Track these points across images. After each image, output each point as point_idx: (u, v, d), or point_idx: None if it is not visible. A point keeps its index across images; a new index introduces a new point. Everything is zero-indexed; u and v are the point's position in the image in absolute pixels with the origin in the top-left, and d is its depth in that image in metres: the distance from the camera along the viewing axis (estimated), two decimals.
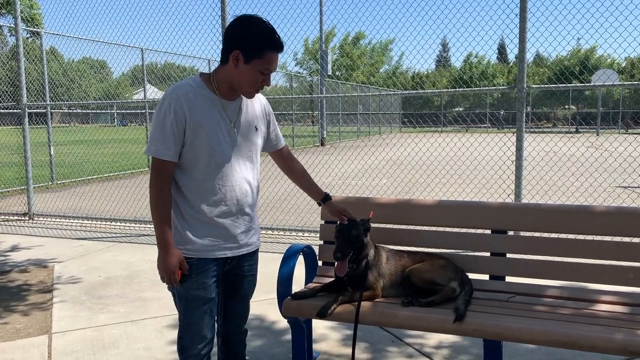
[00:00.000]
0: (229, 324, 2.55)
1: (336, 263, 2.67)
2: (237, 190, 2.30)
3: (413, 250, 3.05)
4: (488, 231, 3.06)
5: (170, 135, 2.17)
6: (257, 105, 2.42)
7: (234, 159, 2.29)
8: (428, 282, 2.79)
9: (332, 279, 2.93)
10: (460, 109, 47.19)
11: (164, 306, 4.17)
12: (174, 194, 2.26)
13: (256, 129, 2.38)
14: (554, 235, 3.12)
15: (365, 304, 2.72)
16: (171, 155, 2.19)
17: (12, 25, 8.31)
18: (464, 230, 3.14)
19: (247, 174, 2.34)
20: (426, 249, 3.11)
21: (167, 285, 2.31)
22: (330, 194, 2.83)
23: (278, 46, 2.19)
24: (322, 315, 2.66)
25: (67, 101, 15.02)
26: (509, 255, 3.01)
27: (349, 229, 2.72)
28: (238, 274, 2.46)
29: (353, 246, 2.69)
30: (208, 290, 2.31)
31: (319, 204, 2.81)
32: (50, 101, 11.69)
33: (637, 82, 5.75)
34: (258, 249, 2.52)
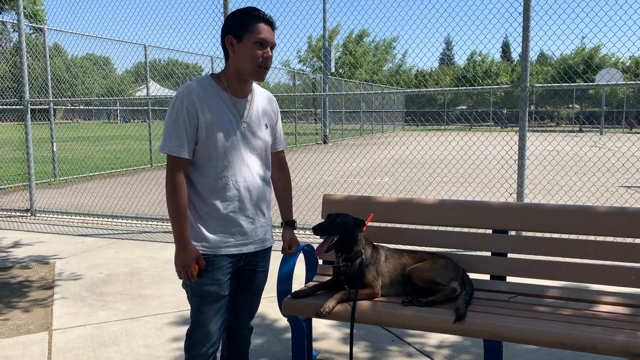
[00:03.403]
0: (236, 319, 2.57)
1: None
2: (250, 186, 2.33)
3: (414, 250, 3.04)
4: (489, 231, 3.05)
5: (183, 133, 2.20)
6: (266, 102, 2.46)
7: (246, 156, 2.32)
8: (428, 281, 2.79)
9: (331, 277, 2.94)
10: (464, 108, 47.10)
11: (164, 303, 4.17)
12: (188, 191, 2.29)
13: (266, 126, 2.41)
14: (555, 235, 3.10)
15: (365, 303, 2.71)
16: (185, 152, 2.22)
17: (15, 22, 8.30)
18: (465, 229, 3.13)
19: (259, 170, 2.38)
20: (427, 248, 3.10)
21: (181, 282, 2.33)
22: (296, 222, 2.75)
23: (262, 16, 2.24)
24: (320, 314, 2.66)
25: (70, 97, 15.06)
26: (510, 255, 3.00)
27: (337, 215, 2.78)
28: (251, 270, 2.49)
29: (336, 230, 2.72)
30: (222, 287, 2.33)
31: (281, 224, 2.70)
32: (53, 97, 11.70)
33: None
34: (272, 246, 2.54)
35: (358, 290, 2.71)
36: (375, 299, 2.79)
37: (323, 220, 2.87)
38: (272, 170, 2.59)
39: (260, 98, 2.43)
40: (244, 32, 2.21)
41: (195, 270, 2.25)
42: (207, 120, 2.22)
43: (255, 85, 2.44)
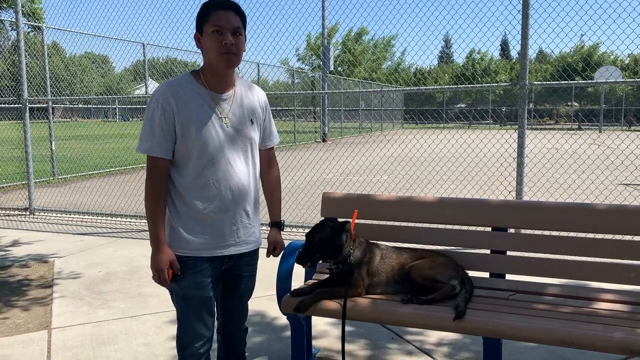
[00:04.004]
0: (229, 323, 2.53)
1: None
2: (232, 185, 2.24)
3: (413, 248, 3.04)
4: (488, 229, 3.05)
5: (159, 132, 2.14)
6: (253, 98, 2.36)
7: (229, 153, 2.23)
8: (428, 279, 2.77)
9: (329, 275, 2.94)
10: (463, 106, 47.11)
11: (163, 302, 4.17)
12: (169, 191, 2.23)
13: (252, 122, 2.32)
14: (554, 233, 3.10)
15: (364, 301, 2.71)
16: (162, 152, 2.16)
17: (13, 20, 8.29)
18: (464, 227, 3.13)
19: (243, 168, 2.28)
20: (426, 246, 3.10)
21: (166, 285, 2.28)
22: (284, 223, 2.68)
23: (217, 3, 2.16)
24: (299, 309, 2.67)
25: (68, 96, 15.03)
26: (509, 253, 2.99)
27: (313, 233, 2.72)
28: (236, 274, 2.42)
29: (317, 251, 2.69)
30: (205, 290, 2.28)
31: (269, 225, 2.62)
32: (51, 96, 11.68)
33: None
34: (258, 248, 2.46)
35: (348, 290, 2.70)
36: (375, 297, 2.78)
37: (304, 245, 2.80)
38: (261, 168, 2.49)
39: (246, 93, 2.34)
40: (202, 23, 2.17)
41: (169, 275, 2.18)
42: (184, 117, 2.14)
43: (240, 80, 2.35)
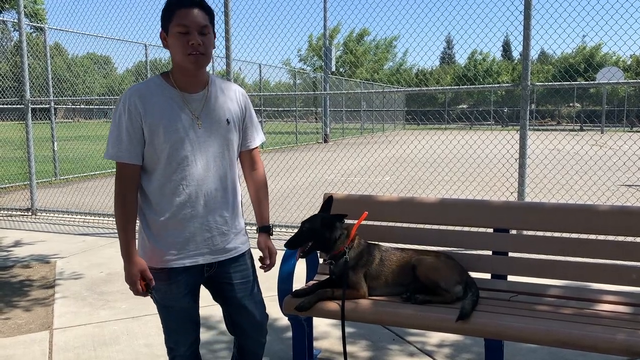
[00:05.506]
0: (242, 336, 2.38)
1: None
2: (205, 190, 2.12)
3: (415, 249, 3.03)
4: (490, 230, 3.05)
5: (125, 137, 2.04)
6: (230, 96, 2.22)
7: (200, 156, 2.11)
8: (433, 283, 2.75)
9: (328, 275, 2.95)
10: (464, 107, 47.08)
11: None
12: (140, 200, 2.13)
13: (228, 122, 2.17)
14: (556, 234, 3.10)
15: (365, 302, 2.71)
16: (130, 158, 2.06)
17: (15, 21, 8.31)
18: (466, 228, 3.12)
19: (218, 171, 2.16)
20: (428, 247, 3.09)
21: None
22: (273, 229, 2.48)
23: (181, 1, 2.04)
24: (301, 310, 2.70)
25: (71, 97, 15.04)
26: (511, 254, 2.99)
27: (304, 223, 2.78)
28: (225, 282, 2.27)
29: (307, 238, 2.73)
30: (182, 301, 2.19)
31: (257, 230, 2.44)
32: (54, 97, 11.70)
33: None
34: (244, 253, 2.31)
35: (345, 291, 2.70)
36: (375, 298, 2.78)
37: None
38: (244, 171, 2.37)
39: (221, 91, 2.20)
40: (168, 23, 2.05)
41: (142, 286, 2.09)
42: (152, 121, 2.03)
43: (215, 78, 2.22)
